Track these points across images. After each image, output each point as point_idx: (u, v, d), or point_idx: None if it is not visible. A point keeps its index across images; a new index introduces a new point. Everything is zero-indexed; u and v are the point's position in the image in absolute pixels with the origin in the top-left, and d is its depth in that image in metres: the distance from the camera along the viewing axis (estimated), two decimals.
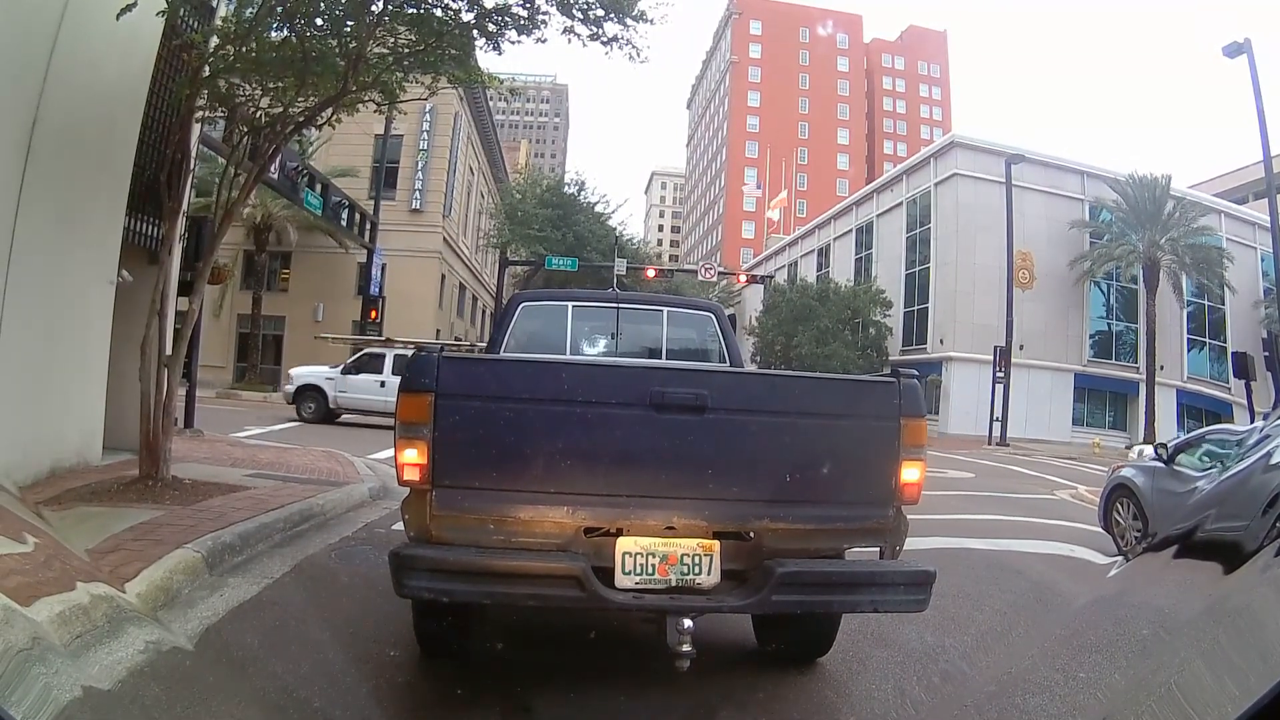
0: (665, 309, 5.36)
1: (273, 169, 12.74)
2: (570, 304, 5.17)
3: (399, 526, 3.02)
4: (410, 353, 2.93)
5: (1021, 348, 28.62)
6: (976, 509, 9.56)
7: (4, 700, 1.63)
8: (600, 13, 5.98)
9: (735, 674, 3.32)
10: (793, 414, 2.79)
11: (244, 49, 5.81)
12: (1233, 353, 24.54)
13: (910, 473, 2.78)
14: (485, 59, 14.98)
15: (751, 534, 2.74)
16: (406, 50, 6.28)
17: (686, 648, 2.53)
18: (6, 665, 1.99)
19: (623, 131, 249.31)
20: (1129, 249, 29.71)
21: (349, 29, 6.01)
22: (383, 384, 15.23)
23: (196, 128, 6.92)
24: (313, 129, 6.66)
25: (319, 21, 6.08)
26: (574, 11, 5.95)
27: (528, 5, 5.96)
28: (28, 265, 5.53)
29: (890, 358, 33.47)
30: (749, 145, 75.29)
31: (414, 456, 2.57)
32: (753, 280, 39.75)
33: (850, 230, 41.92)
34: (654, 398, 2.63)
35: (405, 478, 2.61)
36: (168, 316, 6.82)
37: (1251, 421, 17.87)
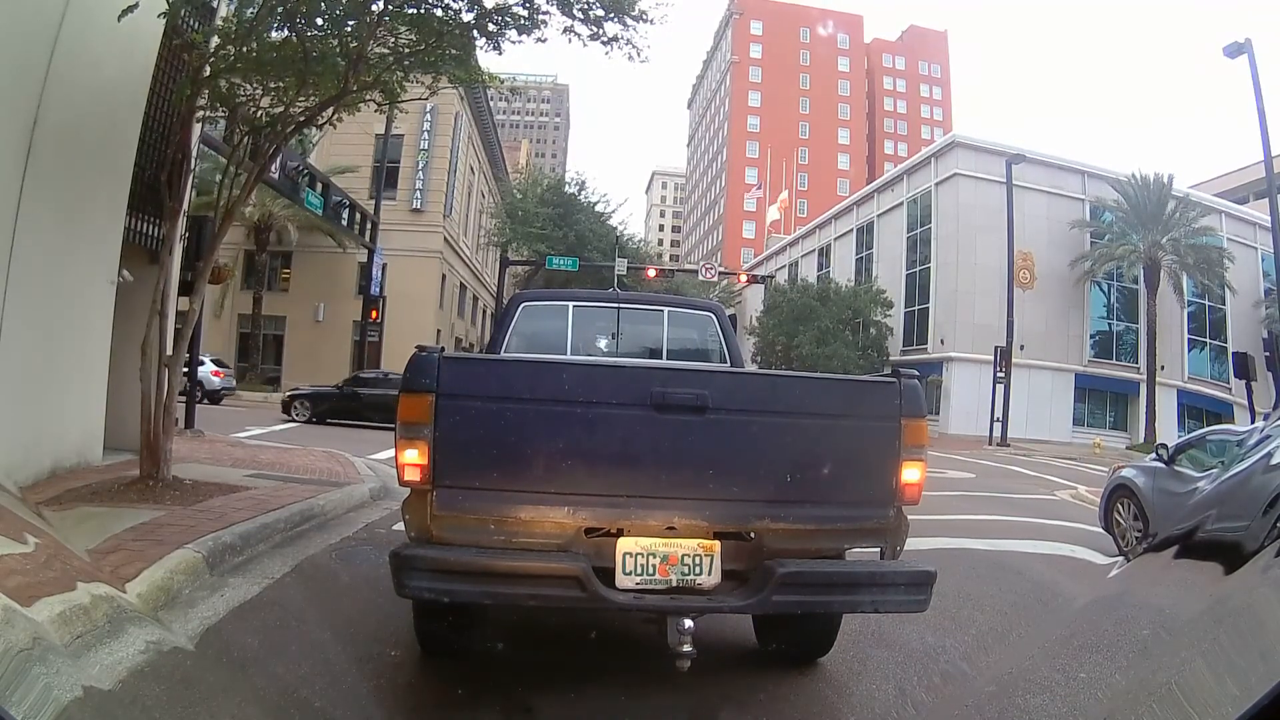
0: (666, 309, 5.36)
1: (273, 169, 12.75)
2: (571, 304, 5.16)
3: (399, 527, 3.02)
4: None
5: (1022, 348, 28.59)
6: (977, 509, 9.55)
7: (4, 700, 1.63)
8: (600, 13, 5.98)
9: (736, 674, 3.32)
10: (793, 414, 2.78)
11: (245, 49, 5.82)
12: (1233, 353, 24.52)
13: (911, 473, 2.78)
14: (486, 59, 14.97)
15: (752, 534, 2.74)
16: (407, 50, 6.29)
17: (687, 648, 2.53)
18: (7, 665, 1.99)
19: (623, 131, 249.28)
20: (1130, 249, 29.69)
21: (349, 29, 6.01)
22: None
23: (197, 128, 6.93)
24: (313, 128, 6.66)
25: (319, 21, 6.08)
26: (574, 11, 5.96)
27: (528, 5, 5.96)
28: (28, 265, 5.54)
29: (891, 358, 33.46)
30: (750, 145, 75.24)
31: (415, 457, 2.57)
32: (753, 280, 39.77)
33: (851, 230, 41.91)
34: (655, 398, 2.63)
35: (406, 478, 2.61)
36: (168, 316, 6.83)
37: (1252, 422, 17.86)
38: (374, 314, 23.34)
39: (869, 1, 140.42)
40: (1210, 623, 1.41)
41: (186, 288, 8.04)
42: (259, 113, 6.51)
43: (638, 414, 2.64)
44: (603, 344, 5.00)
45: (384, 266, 24.29)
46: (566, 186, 33.41)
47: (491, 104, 37.89)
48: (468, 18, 6.08)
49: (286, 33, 5.98)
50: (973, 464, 17.47)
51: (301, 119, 6.38)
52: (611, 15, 6.01)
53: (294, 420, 16.28)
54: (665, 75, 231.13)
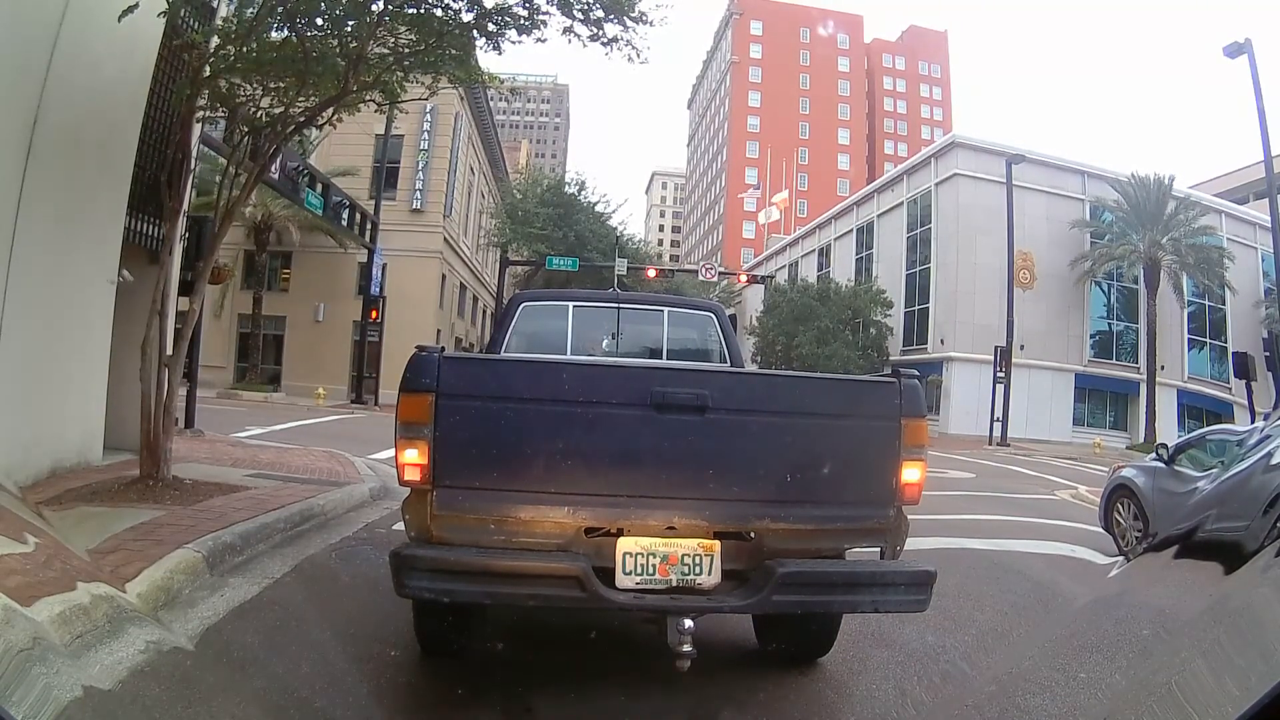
0: (666, 309, 5.36)
1: (273, 169, 12.76)
2: (571, 304, 5.17)
3: (399, 526, 3.02)
4: None
5: (1022, 348, 28.59)
6: (977, 509, 9.55)
7: (4, 700, 1.63)
8: (600, 13, 5.98)
9: (736, 674, 3.32)
10: (793, 414, 2.78)
11: (245, 49, 5.81)
12: (1233, 353, 24.54)
13: (911, 473, 2.78)
14: (486, 59, 14.95)
15: (752, 534, 2.74)
16: (407, 50, 6.28)
17: (687, 648, 2.53)
18: (7, 665, 1.99)
19: (623, 131, 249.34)
20: (1130, 249, 29.66)
21: (349, 29, 6.01)
22: None
23: (197, 128, 6.92)
24: (313, 129, 6.66)
25: (319, 21, 6.08)
26: (574, 12, 5.95)
27: (528, 5, 5.96)
28: (28, 265, 5.53)
29: (891, 358, 33.44)
30: (749, 145, 75.26)
31: (415, 456, 2.57)
32: (753, 280, 39.81)
33: (851, 230, 41.89)
34: (655, 398, 2.63)
35: (406, 478, 2.61)
36: (168, 316, 6.83)
37: (1252, 421, 17.86)
38: (374, 314, 23.39)
39: (869, 1, 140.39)
40: (1210, 623, 1.42)
41: (186, 288, 8.03)
42: (259, 113, 6.50)
43: (638, 414, 2.64)
44: (603, 344, 5.00)
45: (384, 266, 24.32)
46: (566, 187, 33.37)
47: (491, 104, 37.84)
48: (468, 18, 6.08)
49: (286, 33, 5.98)
50: (973, 464, 17.46)
51: (301, 119, 6.37)
52: (611, 16, 6.00)
53: None
54: (665, 75, 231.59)
